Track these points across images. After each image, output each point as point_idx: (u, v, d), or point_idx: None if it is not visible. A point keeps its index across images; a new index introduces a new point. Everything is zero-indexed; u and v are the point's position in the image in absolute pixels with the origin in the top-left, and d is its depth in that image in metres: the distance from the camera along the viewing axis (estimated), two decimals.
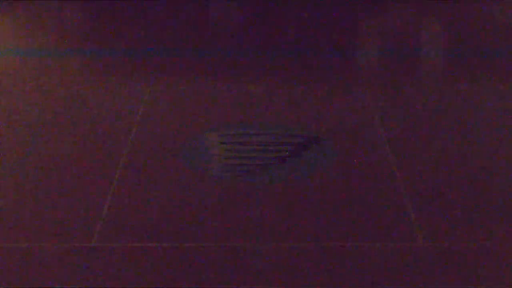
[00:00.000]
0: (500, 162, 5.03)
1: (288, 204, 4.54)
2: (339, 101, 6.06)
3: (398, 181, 4.76)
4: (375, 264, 3.95)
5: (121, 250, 4.07)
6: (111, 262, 3.98)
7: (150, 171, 4.93)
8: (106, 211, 4.42)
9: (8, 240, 4.17)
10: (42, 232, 4.23)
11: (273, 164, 5.00)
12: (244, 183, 4.77)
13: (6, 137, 5.47)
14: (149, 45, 7.52)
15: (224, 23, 8.54)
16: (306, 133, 5.46)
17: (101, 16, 8.53)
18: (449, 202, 4.55)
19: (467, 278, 3.84)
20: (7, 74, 6.81)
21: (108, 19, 8.47)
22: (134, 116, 5.70)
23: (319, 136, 5.42)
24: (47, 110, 5.93)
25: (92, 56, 7.27)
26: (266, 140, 5.34)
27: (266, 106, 5.94)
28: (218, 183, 4.79)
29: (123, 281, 3.82)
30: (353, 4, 8.65)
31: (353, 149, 5.23)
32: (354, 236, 4.19)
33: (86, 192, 4.65)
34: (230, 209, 4.48)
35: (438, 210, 4.45)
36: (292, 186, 4.75)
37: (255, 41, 7.69)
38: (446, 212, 4.44)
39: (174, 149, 5.22)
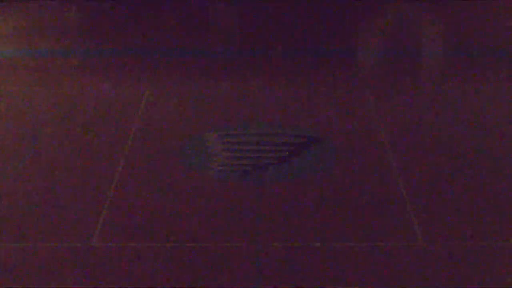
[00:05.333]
0: (500, 162, 5.04)
1: (288, 204, 4.54)
2: (339, 101, 6.07)
3: (398, 181, 4.76)
4: (376, 264, 3.96)
5: (121, 250, 4.07)
6: (111, 262, 3.98)
7: (150, 171, 4.93)
8: (106, 211, 4.43)
9: (8, 240, 4.17)
10: (42, 232, 4.24)
11: (273, 164, 5.01)
12: (244, 183, 4.78)
13: (6, 137, 5.47)
14: (149, 45, 7.52)
15: (223, 23, 8.55)
16: (306, 133, 5.46)
17: (101, 16, 8.54)
18: (449, 202, 4.55)
19: (467, 278, 3.85)
20: (7, 74, 6.81)
21: (108, 19, 8.47)
22: (134, 116, 5.70)
23: (319, 136, 5.42)
24: (47, 110, 5.94)
25: (92, 56, 7.27)
26: (266, 140, 5.34)
27: (266, 106, 5.94)
28: (218, 183, 4.79)
29: (123, 281, 3.82)
30: (353, 4, 8.65)
31: (353, 149, 5.23)
32: (354, 236, 4.19)
33: (86, 192, 4.66)
34: (230, 209, 4.48)
35: (438, 210, 4.46)
36: (292, 186, 4.75)
37: (255, 41, 7.69)
38: (446, 212, 4.44)
39: (174, 149, 5.22)
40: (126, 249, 4.08)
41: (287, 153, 5.13)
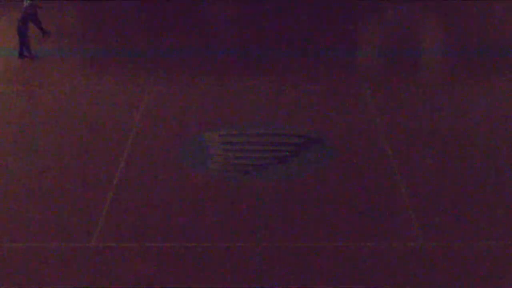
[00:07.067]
0: (500, 163, 5.04)
1: (288, 204, 4.54)
2: (339, 101, 6.06)
3: (398, 181, 4.76)
4: (376, 264, 3.96)
5: (121, 250, 4.07)
6: (111, 262, 3.98)
7: (150, 171, 4.93)
8: (106, 211, 4.43)
9: (8, 240, 4.17)
10: (42, 232, 4.24)
11: (273, 164, 5.01)
12: (244, 183, 4.78)
13: (6, 136, 5.47)
14: (149, 45, 7.52)
15: (223, 24, 8.54)
16: (306, 133, 5.46)
17: (101, 16, 8.53)
18: (449, 202, 4.55)
19: (467, 278, 3.85)
20: (8, 74, 6.80)
21: (108, 19, 8.46)
22: (134, 116, 5.70)
23: (319, 136, 5.42)
24: (47, 110, 5.93)
25: (92, 56, 7.26)
26: (266, 140, 5.35)
27: (266, 106, 5.93)
28: (218, 183, 4.79)
29: (123, 281, 3.82)
30: (352, 4, 8.65)
31: (353, 149, 5.23)
32: (354, 236, 4.19)
33: (86, 192, 4.66)
34: (230, 209, 4.48)
35: (438, 210, 4.46)
36: (291, 186, 4.75)
37: (255, 42, 7.68)
38: (446, 212, 4.44)
39: (174, 148, 5.22)
40: (126, 249, 4.08)
41: (287, 153, 5.13)
